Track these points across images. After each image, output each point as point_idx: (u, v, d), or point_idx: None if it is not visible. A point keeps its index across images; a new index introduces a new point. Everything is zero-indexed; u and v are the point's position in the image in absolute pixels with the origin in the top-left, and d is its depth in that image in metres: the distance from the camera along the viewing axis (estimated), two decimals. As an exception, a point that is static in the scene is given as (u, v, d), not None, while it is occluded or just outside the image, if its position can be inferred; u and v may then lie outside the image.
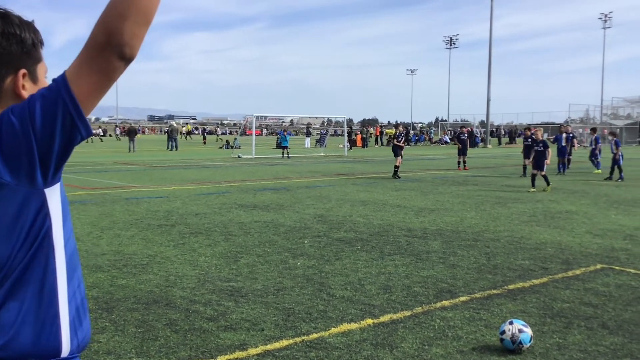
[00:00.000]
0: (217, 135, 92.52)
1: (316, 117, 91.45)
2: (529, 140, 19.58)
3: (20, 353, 1.45)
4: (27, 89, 1.50)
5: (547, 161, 16.19)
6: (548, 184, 15.83)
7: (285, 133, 38.06)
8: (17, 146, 1.36)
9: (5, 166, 1.37)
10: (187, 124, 65.10)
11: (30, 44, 1.51)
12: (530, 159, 16.77)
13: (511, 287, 6.22)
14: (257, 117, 43.01)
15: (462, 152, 23.98)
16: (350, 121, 65.85)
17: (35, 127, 1.34)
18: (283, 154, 32.52)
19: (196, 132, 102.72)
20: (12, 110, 1.37)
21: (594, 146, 23.17)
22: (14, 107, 1.38)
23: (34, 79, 1.53)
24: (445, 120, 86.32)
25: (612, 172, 19.34)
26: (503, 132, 67.21)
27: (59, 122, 1.35)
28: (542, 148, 16.41)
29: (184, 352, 4.36)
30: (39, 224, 1.45)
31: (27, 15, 1.53)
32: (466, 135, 25.29)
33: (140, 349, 4.41)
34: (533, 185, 16.00)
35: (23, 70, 1.50)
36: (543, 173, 16.03)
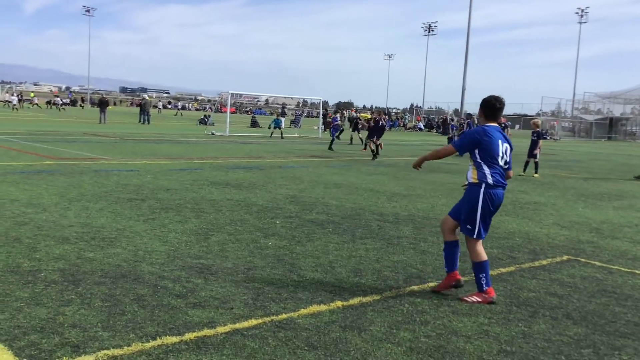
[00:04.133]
0: (178, 109, 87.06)
1: (292, 98, 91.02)
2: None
3: None
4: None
5: (536, 150, 18.29)
6: (536, 171, 17.87)
7: (278, 117, 37.97)
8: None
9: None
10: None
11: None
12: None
13: (479, 274, 6.28)
14: (232, 95, 42.59)
15: (373, 135, 24.02)
16: (325, 103, 65.71)
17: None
18: (281, 135, 33.25)
19: (169, 106, 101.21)
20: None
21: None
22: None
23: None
24: (420, 107, 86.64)
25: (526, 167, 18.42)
26: (476, 121, 67.74)
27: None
28: (535, 137, 18.43)
29: (151, 327, 4.30)
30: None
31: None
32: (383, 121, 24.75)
33: (107, 323, 4.34)
34: (524, 170, 18.17)
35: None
36: (536, 160, 18.13)
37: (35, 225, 7.42)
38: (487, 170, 5.28)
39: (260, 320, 4.56)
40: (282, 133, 33.73)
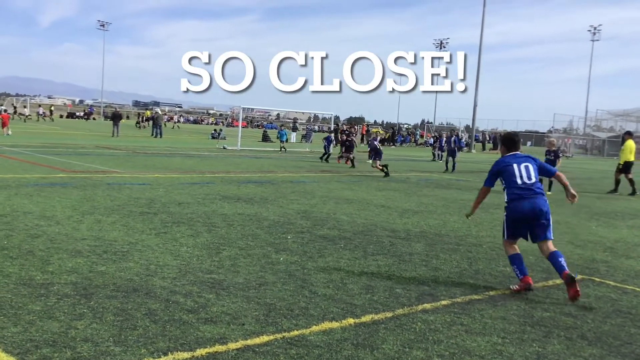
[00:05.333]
0: (175, 122, 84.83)
1: (303, 112, 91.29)
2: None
3: None
4: None
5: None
6: (550, 189, 16.75)
7: (283, 128, 39.40)
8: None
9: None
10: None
11: None
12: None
13: (492, 293, 6.24)
14: (244, 109, 42.82)
15: (349, 150, 25.59)
16: (337, 118, 65.89)
17: None
18: (281, 148, 33.92)
19: (181, 120, 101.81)
20: None
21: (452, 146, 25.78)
22: None
23: None
24: (431, 123, 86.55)
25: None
26: (487, 138, 67.57)
27: None
28: (552, 157, 17.37)
29: (163, 343, 4.29)
30: None
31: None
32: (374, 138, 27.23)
33: (118, 338, 4.33)
34: (549, 189, 16.96)
35: None
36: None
37: (48, 238, 7.46)
38: (506, 191, 6.51)
39: (271, 337, 4.54)
40: (284, 146, 34.01)
